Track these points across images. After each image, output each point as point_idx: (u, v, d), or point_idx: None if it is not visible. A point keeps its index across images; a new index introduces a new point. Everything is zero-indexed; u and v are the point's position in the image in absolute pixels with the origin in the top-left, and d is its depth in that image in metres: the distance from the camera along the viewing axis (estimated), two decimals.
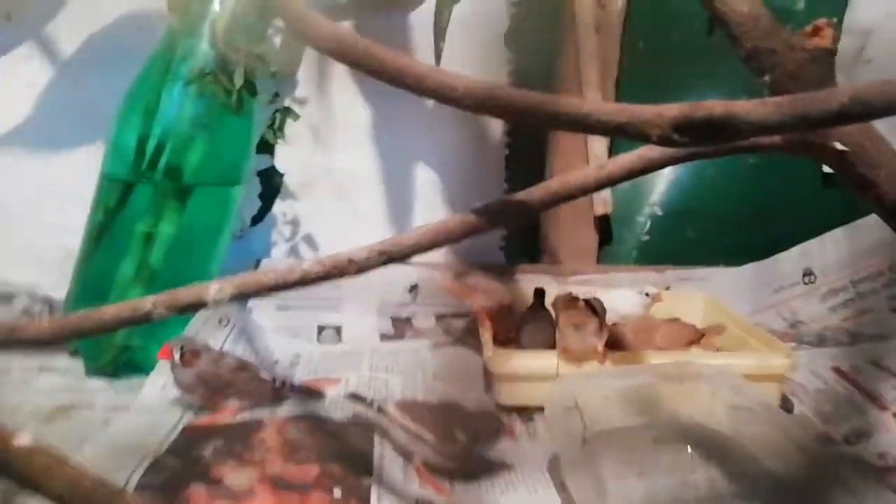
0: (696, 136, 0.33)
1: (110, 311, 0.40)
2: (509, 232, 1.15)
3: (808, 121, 0.32)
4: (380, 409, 0.67)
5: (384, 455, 0.71)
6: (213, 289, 0.41)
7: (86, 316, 0.40)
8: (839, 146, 0.38)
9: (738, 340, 0.90)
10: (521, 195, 0.41)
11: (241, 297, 0.41)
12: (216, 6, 0.81)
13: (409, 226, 1.11)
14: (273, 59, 0.82)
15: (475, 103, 0.35)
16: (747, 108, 0.33)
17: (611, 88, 1.10)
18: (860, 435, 0.79)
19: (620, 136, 0.34)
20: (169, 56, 0.83)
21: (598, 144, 1.11)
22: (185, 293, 0.41)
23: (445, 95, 0.36)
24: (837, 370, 0.92)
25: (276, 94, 0.94)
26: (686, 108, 0.33)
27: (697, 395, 0.75)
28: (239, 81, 0.78)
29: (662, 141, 0.33)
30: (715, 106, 0.33)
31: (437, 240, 0.41)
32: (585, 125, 0.33)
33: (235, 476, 0.64)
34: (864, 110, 0.31)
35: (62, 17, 0.96)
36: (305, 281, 0.41)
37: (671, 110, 0.33)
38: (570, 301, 0.81)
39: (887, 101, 0.31)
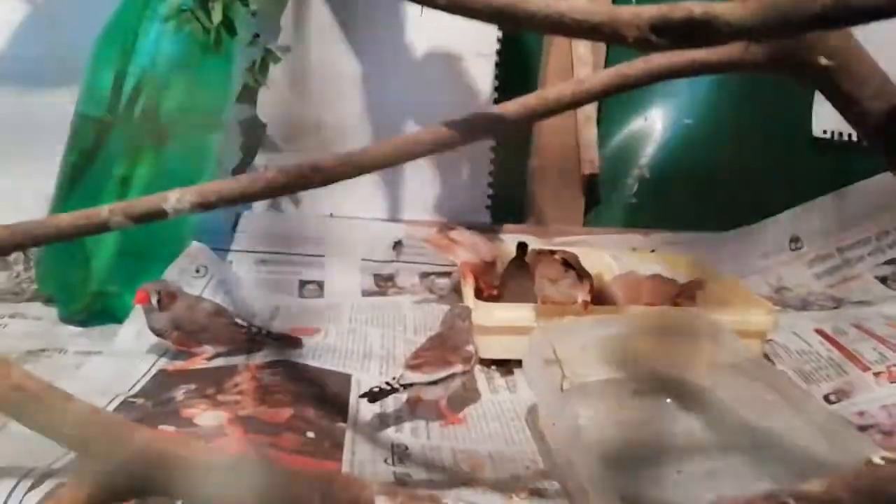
0: (675, 38, 0.32)
1: (66, 218, 0.39)
2: (495, 191, 1.13)
3: (789, 23, 0.31)
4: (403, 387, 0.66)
5: (360, 401, 0.70)
6: (173, 197, 0.39)
7: (41, 223, 0.38)
8: (824, 61, 0.36)
9: (721, 298, 0.89)
10: (497, 108, 0.39)
11: (202, 206, 0.40)
12: None
13: (396, 181, 1.10)
14: None
15: (448, 4, 0.33)
16: (728, 8, 0.31)
17: (601, 54, 1.08)
18: (840, 394, 0.79)
19: (596, 38, 0.32)
20: None
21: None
22: (143, 201, 0.40)
23: None
24: (820, 332, 0.91)
25: (257, 35, 0.91)
26: (665, 7, 0.32)
27: (678, 347, 0.74)
28: (217, 18, 0.76)
29: (640, 43, 0.32)
30: (694, 6, 0.31)
31: (408, 151, 0.40)
32: (560, 25, 0.32)
33: (206, 416, 0.63)
34: (846, 13, 0.30)
35: None
36: (269, 190, 0.39)
37: (649, 10, 0.32)
38: (542, 255, 0.80)
39: (872, 2, 0.29)
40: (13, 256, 0.97)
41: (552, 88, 0.39)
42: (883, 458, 0.33)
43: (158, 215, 0.39)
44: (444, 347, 0.70)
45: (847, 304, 1.04)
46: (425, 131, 0.40)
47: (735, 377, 0.71)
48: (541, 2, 0.32)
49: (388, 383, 0.65)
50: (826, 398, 0.78)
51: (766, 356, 0.85)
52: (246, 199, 0.40)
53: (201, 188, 0.40)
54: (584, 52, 1.05)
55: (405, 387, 0.66)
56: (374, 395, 0.64)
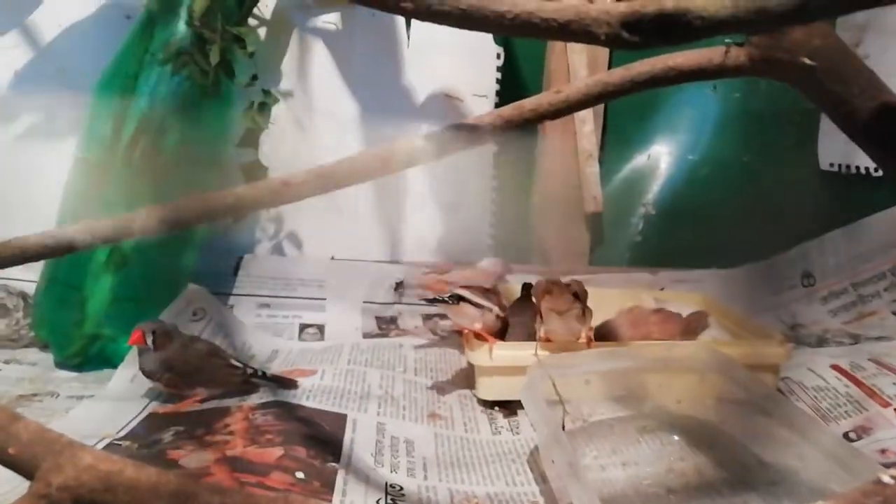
0: (648, 34, 0.31)
1: (32, 238, 0.38)
2: (497, 231, 1.12)
3: (766, 16, 0.30)
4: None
5: (355, 441, 0.68)
6: (140, 217, 0.38)
7: (6, 244, 0.37)
8: (808, 62, 0.35)
9: (731, 332, 0.86)
10: (472, 119, 0.38)
11: (171, 224, 0.39)
12: None
13: (395, 222, 1.09)
14: (251, 40, 0.80)
15: (416, 10, 0.32)
16: (701, 2, 0.30)
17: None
18: (861, 430, 0.75)
19: (567, 37, 0.31)
20: (146, 38, 0.82)
21: (589, 141, 1.09)
22: (110, 221, 0.39)
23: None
24: (837, 368, 0.88)
25: (255, 77, 0.92)
26: (636, 3, 0.31)
27: (684, 382, 0.72)
28: (214, 60, 0.77)
29: (611, 40, 0.31)
30: (666, 1, 0.31)
31: (381, 165, 0.39)
32: (529, 26, 0.31)
33: (191, 458, 0.61)
34: (824, 4, 0.29)
35: (46, 5, 0.95)
36: (239, 207, 0.38)
37: (619, 6, 0.31)
38: (552, 285, 0.78)
39: None
40: (13, 303, 0.96)
41: (529, 99, 0.38)
42: (893, 477, 0.30)
43: (126, 234, 0.38)
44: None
45: (864, 341, 1.01)
46: (399, 144, 0.39)
47: (746, 412, 0.67)
48: (509, 1, 0.31)
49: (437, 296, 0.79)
50: (846, 436, 0.74)
51: (781, 393, 0.82)
52: (215, 216, 0.39)
53: (169, 205, 0.39)
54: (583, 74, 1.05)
55: (452, 298, 0.79)
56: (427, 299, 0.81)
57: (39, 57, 0.96)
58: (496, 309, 0.80)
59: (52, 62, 0.96)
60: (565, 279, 0.81)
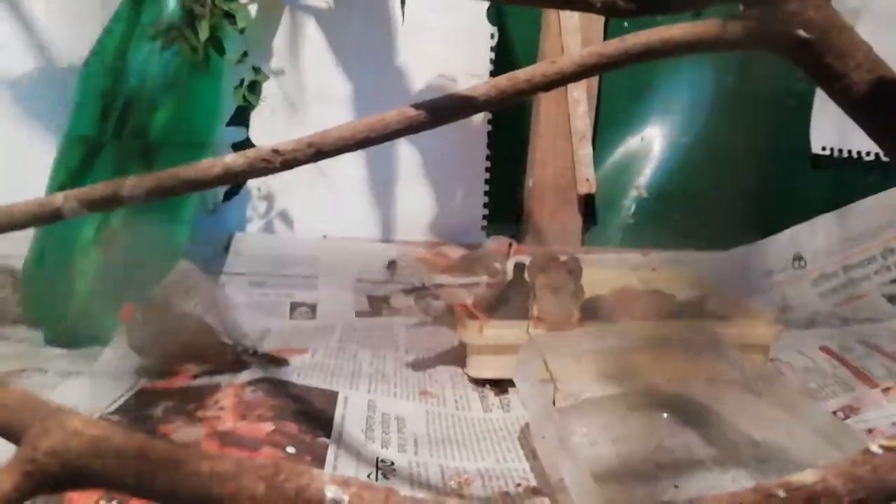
0: (643, 2, 0.31)
1: (19, 206, 0.37)
2: (491, 211, 1.12)
3: None
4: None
5: (346, 417, 0.68)
6: (129, 184, 0.38)
7: None
8: (803, 34, 0.35)
9: (721, 312, 0.87)
10: (466, 90, 0.38)
11: (159, 192, 0.38)
12: None
13: (388, 201, 1.09)
14: (241, 16, 0.79)
15: None
16: None
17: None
18: (848, 410, 0.76)
19: (562, 5, 0.31)
20: (135, 13, 0.81)
21: (582, 122, 1.09)
22: (97, 187, 0.38)
23: None
24: (826, 349, 0.88)
25: (245, 54, 0.91)
26: None
27: (675, 361, 0.72)
28: (204, 36, 0.76)
29: (607, 8, 0.31)
30: None
31: (372, 134, 0.38)
32: None
33: (182, 432, 0.61)
34: None
35: None
36: (228, 175, 0.38)
37: None
38: (548, 262, 0.78)
39: None
40: (1, 280, 0.95)
41: (523, 70, 0.37)
42: (881, 447, 0.30)
43: (115, 201, 0.38)
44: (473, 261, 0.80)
45: (854, 323, 1.01)
46: (391, 113, 0.38)
47: (735, 391, 0.68)
48: None
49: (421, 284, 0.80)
50: (834, 415, 0.75)
51: (771, 370, 0.82)
52: (203, 185, 0.39)
53: (158, 175, 0.38)
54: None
55: (436, 286, 0.79)
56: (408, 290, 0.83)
57: (27, 30, 0.95)
58: (484, 278, 0.79)
59: (40, 36, 0.95)
60: (562, 256, 0.81)
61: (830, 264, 1.13)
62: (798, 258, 1.14)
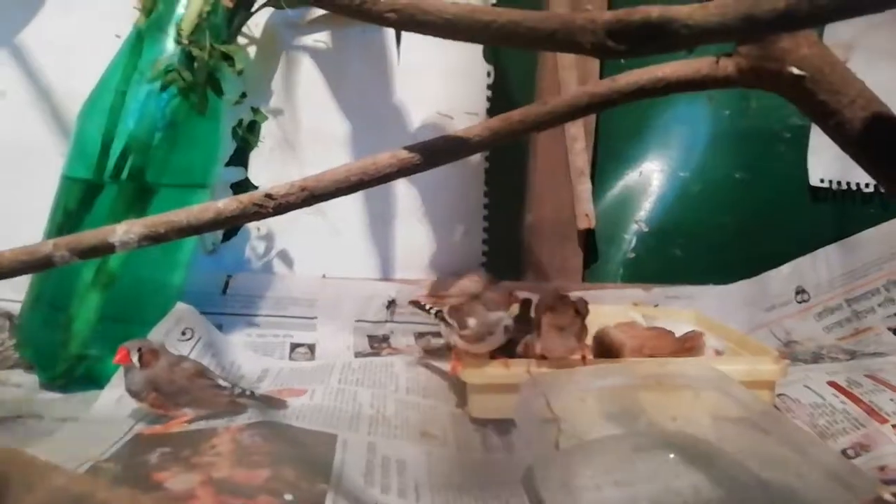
0: (634, 43, 0.31)
1: (6, 254, 0.37)
2: (490, 247, 1.12)
3: (753, 23, 0.29)
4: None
5: (345, 461, 0.66)
6: (120, 229, 0.37)
7: None
8: (796, 71, 0.35)
9: (727, 350, 0.86)
10: (460, 132, 0.38)
11: (151, 239, 0.38)
12: (182, 5, 0.80)
13: (387, 239, 1.08)
14: (240, 58, 0.80)
15: (399, 20, 0.32)
16: (687, 11, 0.30)
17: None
18: (859, 448, 0.74)
19: (553, 46, 0.31)
20: (135, 55, 0.82)
21: (580, 159, 1.09)
22: (88, 235, 0.38)
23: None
24: (833, 384, 0.87)
25: (244, 95, 0.92)
26: (621, 12, 0.31)
27: (680, 400, 0.71)
28: (202, 76, 0.76)
29: (597, 49, 0.31)
30: (652, 10, 0.30)
31: (365, 177, 0.38)
32: (515, 35, 0.30)
33: (177, 480, 0.59)
34: (812, 10, 0.28)
35: (35, 23, 0.95)
36: (220, 220, 0.37)
37: (605, 15, 0.30)
38: (556, 301, 0.77)
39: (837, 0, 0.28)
40: None
41: (517, 111, 0.37)
42: (894, 495, 0.29)
43: (105, 249, 0.37)
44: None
45: (860, 357, 1.00)
46: (383, 156, 0.38)
47: (743, 430, 0.67)
48: (494, 12, 0.31)
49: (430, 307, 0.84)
50: (844, 453, 0.73)
51: (778, 410, 0.81)
52: (195, 230, 0.38)
53: (150, 220, 0.38)
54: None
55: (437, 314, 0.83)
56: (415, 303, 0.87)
57: (29, 74, 0.96)
58: (457, 329, 0.79)
59: (42, 80, 0.96)
60: (570, 295, 0.80)
61: (834, 297, 1.12)
62: (800, 291, 1.13)
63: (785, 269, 1.13)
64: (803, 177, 1.12)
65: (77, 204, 0.83)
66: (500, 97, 1.10)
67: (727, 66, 0.36)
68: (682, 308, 1.06)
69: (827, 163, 1.11)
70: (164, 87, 0.79)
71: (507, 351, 0.86)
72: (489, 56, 1.09)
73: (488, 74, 1.09)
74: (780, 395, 0.83)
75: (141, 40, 0.83)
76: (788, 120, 1.12)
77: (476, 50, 1.07)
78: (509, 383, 0.75)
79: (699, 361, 0.79)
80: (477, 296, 0.81)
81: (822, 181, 1.12)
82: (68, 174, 0.84)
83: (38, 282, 0.85)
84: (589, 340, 0.80)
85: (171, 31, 0.81)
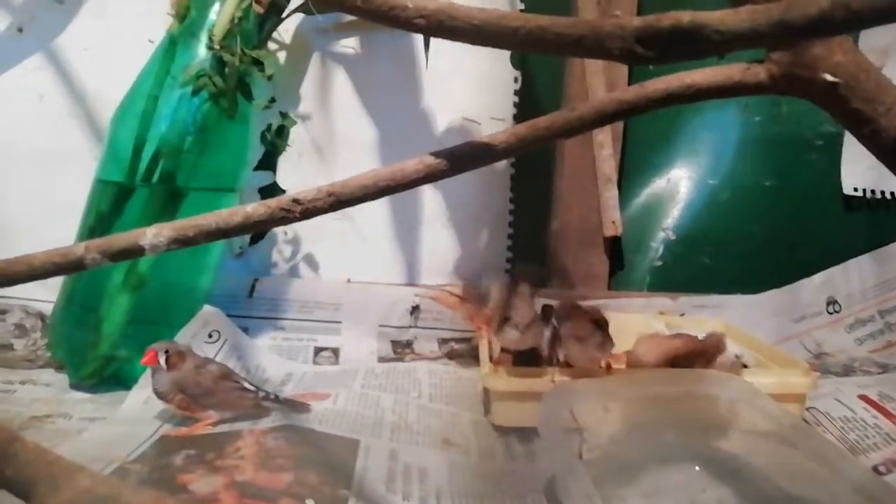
0: (663, 49, 0.30)
1: (39, 256, 0.38)
2: (515, 254, 1.11)
3: (784, 28, 0.29)
4: None
5: (367, 468, 0.66)
6: (150, 232, 0.38)
7: (13, 262, 0.37)
8: (829, 78, 0.34)
9: (756, 362, 0.84)
10: (486, 138, 0.38)
11: (180, 242, 0.38)
12: (215, 11, 0.81)
13: (412, 244, 1.08)
14: (270, 63, 0.81)
15: (428, 26, 0.32)
16: (718, 16, 0.30)
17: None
18: (891, 464, 0.72)
19: (579, 52, 0.31)
20: (168, 60, 0.83)
21: (608, 165, 1.08)
22: (119, 238, 0.38)
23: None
24: (865, 398, 0.85)
25: (273, 100, 0.93)
26: (651, 18, 0.30)
27: (707, 411, 0.69)
28: (233, 81, 0.77)
29: (625, 55, 0.30)
30: (682, 15, 0.30)
31: (392, 183, 0.38)
32: (543, 41, 0.30)
33: (201, 483, 0.60)
34: (846, 15, 0.28)
35: (70, 29, 0.97)
36: (248, 224, 0.38)
37: (634, 21, 0.30)
38: (573, 309, 0.76)
39: (872, 4, 0.27)
40: (31, 324, 0.97)
41: (543, 117, 0.37)
42: None
43: (136, 252, 0.38)
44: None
45: (892, 370, 0.98)
46: (410, 162, 0.38)
47: (771, 443, 0.65)
48: (522, 17, 0.31)
49: None
50: (875, 469, 0.72)
51: (807, 424, 0.79)
52: (224, 234, 0.39)
53: (179, 224, 0.38)
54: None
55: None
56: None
57: (64, 79, 0.98)
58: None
59: (77, 84, 0.98)
60: (584, 304, 0.79)
61: (866, 309, 1.09)
62: (832, 302, 1.10)
63: (816, 279, 1.11)
64: (835, 185, 1.10)
65: (109, 207, 0.84)
66: (527, 103, 1.10)
67: (759, 72, 0.36)
68: (710, 318, 1.04)
69: (861, 171, 1.09)
70: (195, 92, 0.80)
71: (531, 359, 0.86)
72: (516, 62, 1.08)
73: (515, 80, 1.09)
74: (809, 408, 0.81)
75: (174, 46, 0.84)
76: (821, 127, 1.10)
77: (503, 56, 1.07)
78: (533, 391, 0.75)
79: (727, 373, 0.77)
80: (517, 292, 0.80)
81: (855, 190, 1.10)
82: (101, 177, 0.86)
83: (69, 284, 0.87)
84: (618, 349, 0.79)
85: (203, 37, 0.82)
